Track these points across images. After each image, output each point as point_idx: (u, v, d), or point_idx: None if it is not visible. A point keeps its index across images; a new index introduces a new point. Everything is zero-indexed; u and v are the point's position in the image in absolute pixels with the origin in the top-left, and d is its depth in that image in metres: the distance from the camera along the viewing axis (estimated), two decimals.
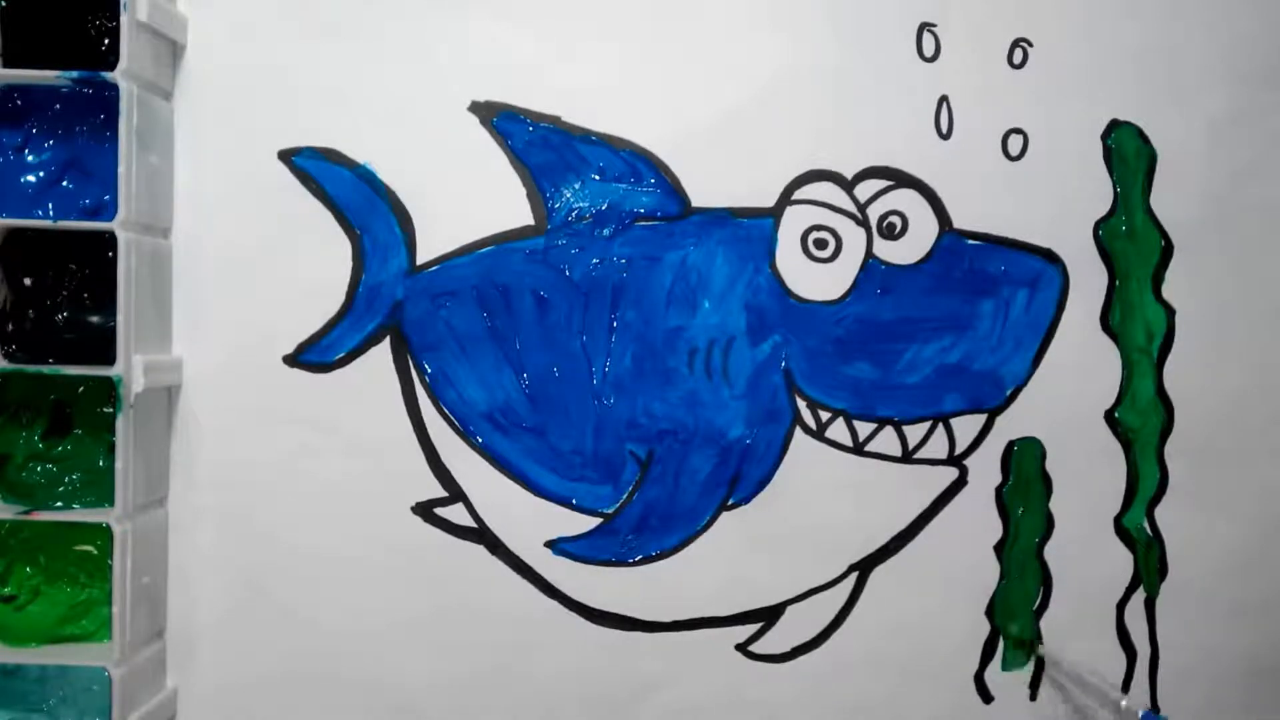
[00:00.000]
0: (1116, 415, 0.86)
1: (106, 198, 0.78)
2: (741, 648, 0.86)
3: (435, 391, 0.83)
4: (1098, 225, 0.85)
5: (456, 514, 0.84)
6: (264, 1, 0.82)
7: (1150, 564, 0.87)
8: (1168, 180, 0.86)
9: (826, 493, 0.85)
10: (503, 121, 0.83)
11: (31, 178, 0.79)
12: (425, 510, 0.84)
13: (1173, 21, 0.86)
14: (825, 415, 0.84)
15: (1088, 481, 0.86)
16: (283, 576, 0.83)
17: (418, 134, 0.83)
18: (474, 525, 0.84)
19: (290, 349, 0.83)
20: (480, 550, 0.84)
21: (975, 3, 0.84)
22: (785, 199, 0.84)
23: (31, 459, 0.80)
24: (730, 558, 0.85)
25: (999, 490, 0.86)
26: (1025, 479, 0.86)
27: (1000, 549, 0.86)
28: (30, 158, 0.79)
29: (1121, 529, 0.87)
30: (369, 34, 0.82)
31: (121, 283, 0.74)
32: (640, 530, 0.84)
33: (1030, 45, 0.85)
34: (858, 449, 0.85)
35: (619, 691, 0.86)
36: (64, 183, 0.79)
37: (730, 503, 0.85)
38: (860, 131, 0.84)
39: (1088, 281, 0.85)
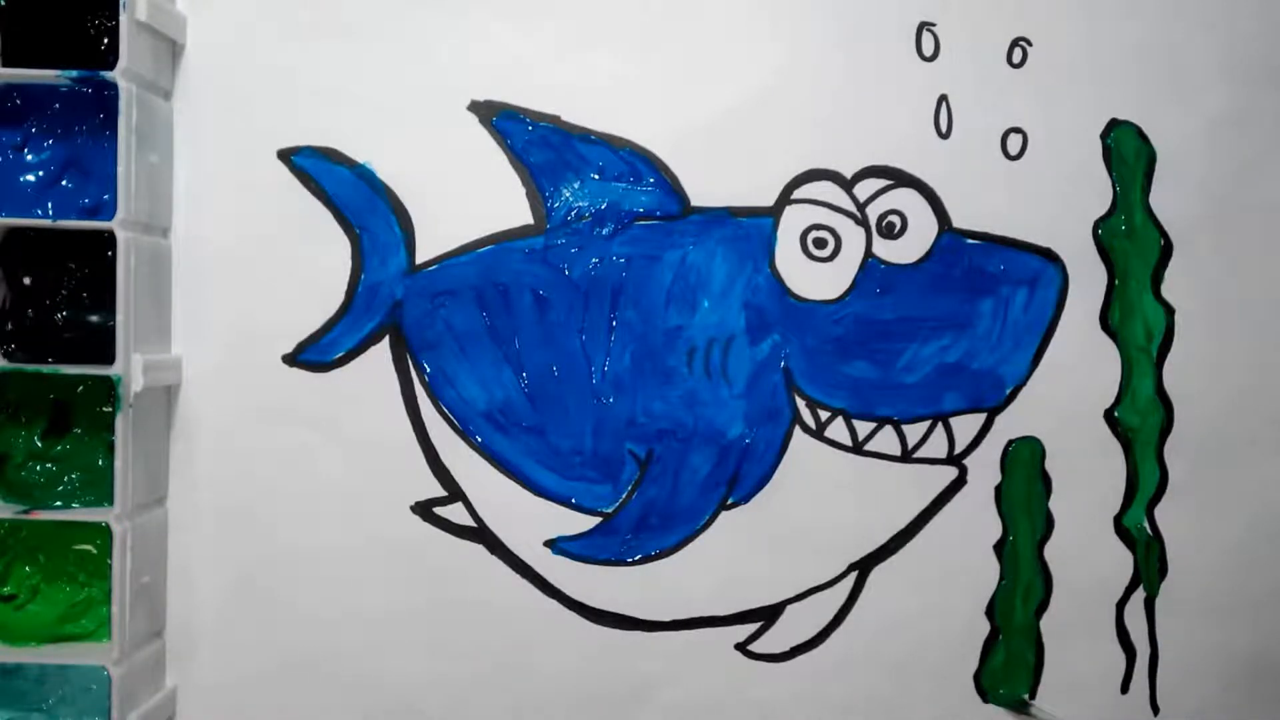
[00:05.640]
0: (1116, 414, 0.86)
1: (106, 197, 0.78)
2: (741, 647, 0.86)
3: (434, 391, 0.83)
4: (1097, 224, 0.85)
5: (456, 513, 0.84)
6: (264, 1, 0.82)
7: (1150, 563, 0.87)
8: (1167, 180, 0.86)
9: (826, 492, 0.85)
10: (502, 121, 0.83)
11: (31, 177, 0.79)
12: (424, 509, 0.84)
13: (1173, 21, 0.86)
14: (825, 414, 0.84)
15: (1087, 481, 0.86)
16: (282, 575, 0.83)
17: (417, 133, 0.83)
18: (473, 524, 0.84)
19: (290, 348, 0.83)
20: (480, 550, 0.84)
21: (975, 2, 0.84)
22: (784, 198, 0.84)
23: (31, 458, 0.80)
24: (729, 557, 0.85)
25: (998, 489, 0.86)
26: (1025, 478, 0.86)
27: (1000, 549, 0.86)
28: (30, 157, 0.79)
29: (1121, 528, 0.87)
30: (369, 34, 0.82)
31: (121, 282, 0.74)
32: (639, 530, 0.84)
33: (1030, 44, 0.85)
34: (857, 448, 0.85)
35: (618, 691, 0.86)
36: (63, 182, 0.79)
37: (730, 502, 0.85)
38: (859, 131, 0.84)
39: (1087, 281, 0.85)
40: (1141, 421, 0.86)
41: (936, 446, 0.85)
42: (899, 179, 0.84)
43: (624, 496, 0.84)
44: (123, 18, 0.74)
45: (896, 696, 0.87)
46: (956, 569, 0.86)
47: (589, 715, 0.86)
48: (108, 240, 0.74)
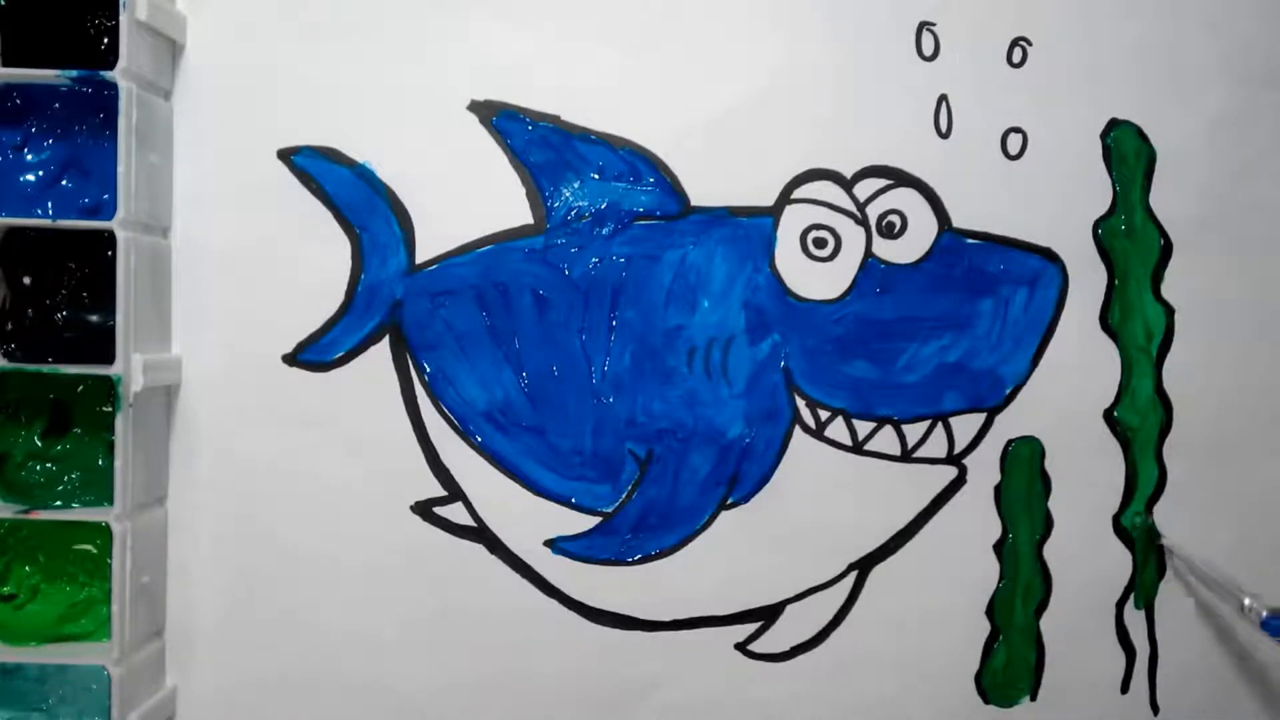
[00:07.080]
0: (1116, 414, 0.86)
1: (106, 197, 0.78)
2: (741, 647, 0.86)
3: (434, 390, 0.83)
4: (1097, 224, 0.85)
5: (456, 513, 0.84)
6: (264, 1, 0.82)
7: (1148, 564, 0.87)
8: (1167, 179, 0.86)
9: (826, 492, 0.85)
10: (502, 120, 0.83)
11: (31, 177, 0.79)
12: (424, 509, 0.84)
13: (1173, 21, 0.86)
14: (824, 414, 0.84)
15: (1087, 480, 0.86)
16: (282, 575, 0.84)
17: (417, 133, 0.83)
18: (473, 524, 0.84)
19: (290, 348, 0.83)
20: (480, 550, 0.84)
21: (975, 2, 0.84)
22: (784, 198, 0.84)
23: (31, 458, 0.80)
24: (729, 557, 0.85)
25: (998, 489, 0.86)
26: (1024, 478, 0.86)
27: (1000, 548, 0.86)
28: (30, 157, 0.79)
29: (1121, 528, 0.87)
30: (369, 34, 0.83)
31: (121, 282, 0.74)
32: (639, 529, 0.84)
33: (1029, 44, 0.85)
34: (857, 448, 0.85)
35: (619, 691, 0.86)
36: (63, 182, 0.79)
37: (729, 502, 0.85)
38: (859, 130, 0.84)
39: (1087, 280, 0.85)
40: (1141, 421, 0.86)
41: (936, 446, 0.85)
42: (899, 179, 0.84)
43: (624, 496, 0.84)
44: (123, 18, 0.74)
45: (896, 696, 0.87)
46: (956, 569, 0.86)
47: (589, 715, 0.86)
48: (108, 240, 0.74)
